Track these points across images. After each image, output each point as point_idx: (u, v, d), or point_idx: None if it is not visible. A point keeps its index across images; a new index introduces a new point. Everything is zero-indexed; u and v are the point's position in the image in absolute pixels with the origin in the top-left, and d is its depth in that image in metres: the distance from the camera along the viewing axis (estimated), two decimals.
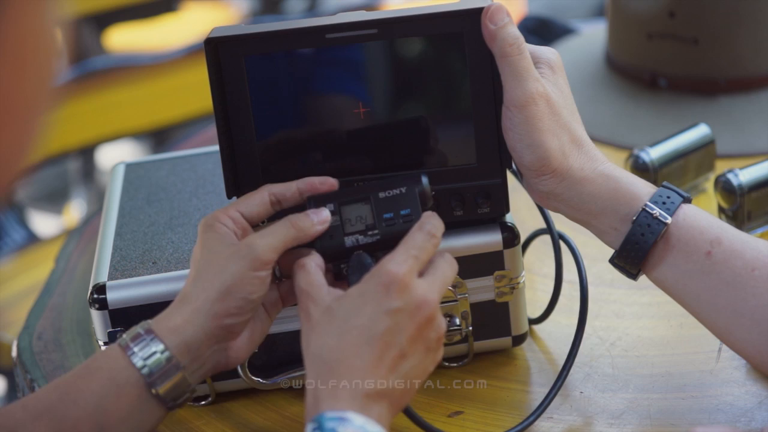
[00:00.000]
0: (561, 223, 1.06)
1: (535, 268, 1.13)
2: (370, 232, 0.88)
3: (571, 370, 0.99)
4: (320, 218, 0.88)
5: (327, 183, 0.90)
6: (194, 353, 0.85)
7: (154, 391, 0.84)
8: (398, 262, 0.82)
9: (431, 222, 0.86)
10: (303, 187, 0.90)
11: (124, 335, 0.85)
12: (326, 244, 0.88)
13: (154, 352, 0.84)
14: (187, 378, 0.85)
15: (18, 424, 0.82)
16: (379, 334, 0.80)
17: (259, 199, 0.90)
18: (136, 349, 0.84)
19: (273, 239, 0.86)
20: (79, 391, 0.83)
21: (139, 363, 0.84)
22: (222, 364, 0.87)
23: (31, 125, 0.59)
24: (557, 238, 1.01)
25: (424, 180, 0.90)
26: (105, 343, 0.97)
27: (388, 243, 0.88)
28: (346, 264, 0.88)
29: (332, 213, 0.89)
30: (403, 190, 0.89)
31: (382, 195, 0.89)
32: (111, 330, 0.96)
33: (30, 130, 0.60)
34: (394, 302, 0.81)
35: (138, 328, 0.85)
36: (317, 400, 0.79)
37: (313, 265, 0.85)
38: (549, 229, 1.01)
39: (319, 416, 0.77)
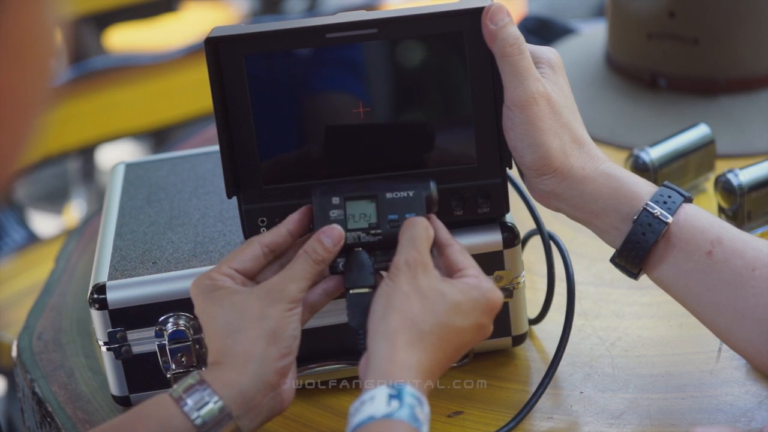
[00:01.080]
0: (562, 222, 1.06)
1: (535, 268, 1.13)
2: (372, 231, 0.89)
3: (571, 370, 1.00)
4: (334, 240, 0.88)
5: (308, 216, 0.91)
6: (250, 403, 0.85)
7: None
8: (496, 290, 0.86)
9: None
10: (292, 228, 0.91)
11: (175, 386, 0.85)
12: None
13: (207, 402, 0.84)
14: (240, 428, 0.85)
15: None
16: (467, 342, 0.85)
17: (251, 254, 0.89)
18: (189, 401, 0.84)
19: (301, 282, 0.87)
20: None
21: (192, 414, 0.83)
22: (277, 410, 0.88)
23: (28, 124, 0.59)
24: (547, 239, 1.01)
25: (432, 185, 0.90)
26: (105, 343, 0.97)
27: (389, 244, 0.88)
28: (343, 259, 0.88)
29: (336, 206, 0.89)
30: (411, 193, 0.89)
31: (389, 196, 0.89)
32: (111, 330, 0.96)
33: (26, 129, 0.59)
34: (487, 322, 0.86)
35: (190, 379, 0.85)
36: (396, 364, 0.80)
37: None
38: (539, 229, 1.01)
39: (400, 385, 0.78)
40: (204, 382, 0.84)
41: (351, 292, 0.88)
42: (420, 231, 0.87)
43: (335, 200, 0.89)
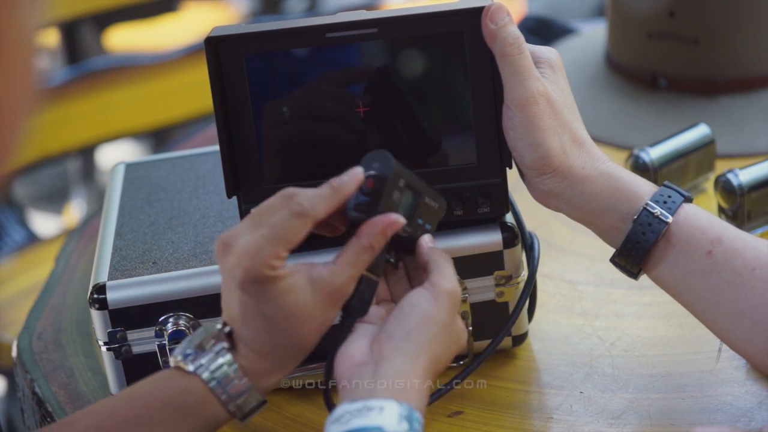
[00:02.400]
0: (562, 222, 1.06)
1: None
2: (405, 228, 0.85)
3: (571, 370, 1.00)
4: (393, 233, 0.84)
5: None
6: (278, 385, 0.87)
7: (243, 420, 0.84)
8: (453, 278, 0.84)
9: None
10: (340, 204, 0.83)
11: (210, 373, 0.83)
12: (361, 206, 0.84)
13: (243, 392, 0.83)
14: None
15: None
16: (453, 351, 0.84)
17: (305, 234, 0.82)
18: (234, 400, 0.83)
19: (358, 276, 0.83)
20: None
21: (232, 408, 0.83)
22: None
23: (14, 128, 0.59)
24: (528, 240, 1.00)
25: (446, 205, 0.89)
26: (105, 343, 0.97)
27: (408, 246, 0.87)
28: (351, 231, 0.85)
29: (399, 189, 0.84)
30: (437, 206, 0.88)
31: (426, 200, 0.87)
32: (111, 330, 0.96)
33: (13, 132, 0.59)
34: (458, 320, 0.85)
35: (231, 373, 0.83)
36: (412, 388, 0.79)
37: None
38: (520, 230, 1.00)
39: (411, 410, 0.77)
40: (249, 384, 0.83)
41: (366, 275, 0.84)
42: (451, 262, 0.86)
43: (401, 182, 0.85)
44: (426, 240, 0.87)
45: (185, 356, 0.83)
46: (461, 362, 1.01)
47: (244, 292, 0.81)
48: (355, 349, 0.82)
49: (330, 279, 0.82)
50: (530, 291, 0.99)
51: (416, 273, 0.87)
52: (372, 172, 0.84)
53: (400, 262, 0.88)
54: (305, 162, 0.96)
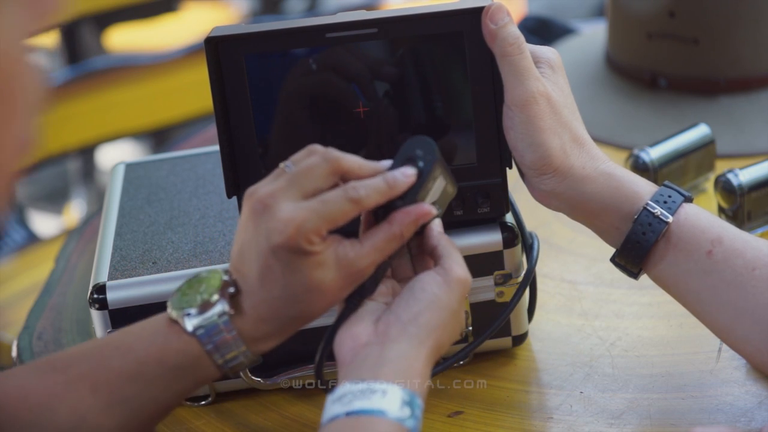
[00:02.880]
0: (562, 222, 1.06)
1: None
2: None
3: (571, 370, 1.00)
4: (428, 219, 0.83)
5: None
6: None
7: (230, 374, 0.84)
8: (464, 266, 0.84)
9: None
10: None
11: (208, 338, 0.82)
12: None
13: (237, 355, 0.83)
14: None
15: (88, 410, 0.81)
16: (454, 338, 0.84)
17: (351, 217, 0.81)
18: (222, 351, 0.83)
19: (378, 257, 0.82)
20: (162, 390, 0.82)
21: (225, 369, 0.83)
22: None
23: (13, 134, 0.59)
24: (529, 240, 1.00)
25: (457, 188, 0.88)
26: None
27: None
28: (381, 213, 0.83)
29: (434, 178, 0.83)
30: (451, 191, 0.86)
31: (447, 187, 0.85)
32: (111, 330, 0.96)
33: (12, 138, 0.59)
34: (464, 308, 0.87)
35: (235, 351, 0.83)
36: (416, 374, 0.78)
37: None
38: (520, 230, 1.00)
39: (413, 395, 0.77)
40: (247, 350, 0.83)
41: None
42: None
43: (438, 171, 0.84)
44: (436, 224, 0.86)
45: (185, 314, 0.82)
46: (461, 362, 1.01)
47: (274, 257, 0.80)
48: (361, 329, 0.81)
49: (355, 260, 0.81)
50: (527, 286, 0.99)
51: (420, 255, 0.87)
52: (418, 162, 0.83)
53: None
54: None
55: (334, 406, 0.77)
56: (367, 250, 0.82)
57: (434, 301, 0.81)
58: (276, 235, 0.79)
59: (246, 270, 0.82)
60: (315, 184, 0.81)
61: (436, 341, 0.81)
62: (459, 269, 0.83)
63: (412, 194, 0.82)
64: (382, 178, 0.82)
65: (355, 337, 0.81)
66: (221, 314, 0.82)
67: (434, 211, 0.83)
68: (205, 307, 0.82)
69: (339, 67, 0.94)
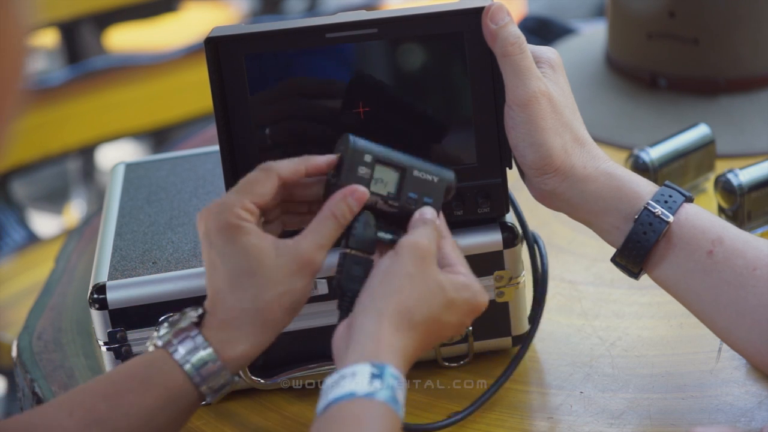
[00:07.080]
0: (562, 222, 1.06)
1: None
2: (390, 202, 0.87)
3: (571, 370, 1.00)
4: (359, 203, 0.85)
5: (330, 166, 0.88)
6: (247, 362, 0.86)
7: (207, 399, 0.85)
8: (484, 293, 0.85)
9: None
10: (311, 170, 0.87)
11: (182, 352, 0.84)
12: (328, 182, 0.87)
13: (216, 374, 0.84)
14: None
15: None
16: (446, 337, 0.85)
17: (271, 188, 0.85)
18: (200, 373, 0.84)
19: (327, 249, 0.85)
20: (131, 405, 0.83)
21: (196, 380, 0.84)
22: None
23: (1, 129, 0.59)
24: (531, 240, 1.01)
25: (454, 177, 0.89)
26: (105, 343, 0.97)
27: (399, 220, 0.87)
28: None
29: (366, 165, 0.86)
30: (436, 179, 0.88)
31: (416, 174, 0.87)
32: (111, 330, 0.96)
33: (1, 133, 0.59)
34: (469, 322, 0.85)
35: (199, 347, 0.84)
36: (382, 345, 0.79)
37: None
38: (523, 230, 1.00)
39: (382, 365, 0.77)
40: (217, 358, 0.84)
41: (352, 252, 0.85)
42: (434, 223, 0.86)
43: (367, 158, 0.86)
44: (422, 212, 0.87)
45: (159, 337, 0.86)
46: (461, 362, 1.01)
47: (210, 245, 0.84)
48: (342, 326, 0.83)
49: (293, 245, 0.84)
50: (546, 286, 1.00)
51: None
52: (339, 149, 0.88)
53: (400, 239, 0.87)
54: None
55: (319, 403, 0.78)
56: (303, 234, 0.85)
57: (384, 271, 0.82)
58: (203, 224, 0.85)
59: (208, 277, 0.86)
60: (257, 189, 0.85)
61: (397, 306, 0.81)
62: (408, 237, 0.84)
63: (336, 180, 0.86)
64: (300, 157, 0.87)
65: (337, 336, 0.83)
66: (188, 324, 0.84)
67: (361, 189, 0.85)
68: (173, 324, 0.85)
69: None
